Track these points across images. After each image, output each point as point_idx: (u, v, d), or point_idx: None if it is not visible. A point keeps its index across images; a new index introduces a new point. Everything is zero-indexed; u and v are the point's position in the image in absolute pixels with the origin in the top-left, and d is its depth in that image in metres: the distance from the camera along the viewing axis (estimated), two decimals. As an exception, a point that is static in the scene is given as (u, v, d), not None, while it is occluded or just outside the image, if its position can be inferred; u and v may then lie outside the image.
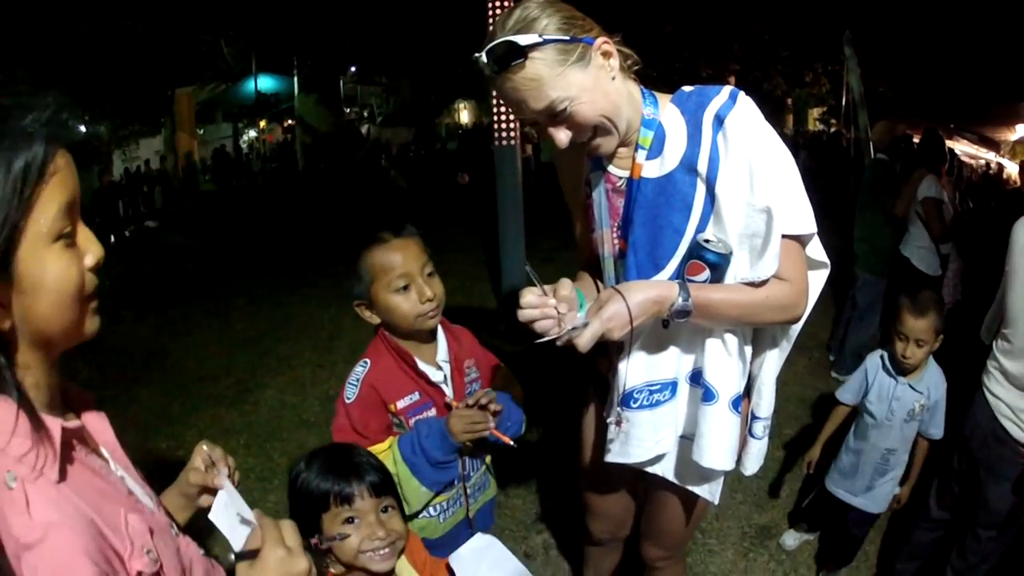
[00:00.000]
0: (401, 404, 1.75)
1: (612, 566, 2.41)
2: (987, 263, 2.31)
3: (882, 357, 2.61)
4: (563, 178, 1.80)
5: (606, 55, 1.39)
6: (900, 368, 2.52)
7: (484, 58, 1.32)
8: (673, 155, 1.45)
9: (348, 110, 23.59)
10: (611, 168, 1.57)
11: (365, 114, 27.35)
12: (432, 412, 1.78)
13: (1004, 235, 2.21)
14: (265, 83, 21.36)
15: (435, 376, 1.81)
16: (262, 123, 24.68)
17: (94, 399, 1.02)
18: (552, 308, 1.38)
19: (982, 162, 17.52)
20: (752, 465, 1.77)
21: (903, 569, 2.65)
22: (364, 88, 25.92)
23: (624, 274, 1.56)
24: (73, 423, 0.88)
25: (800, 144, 22.31)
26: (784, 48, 17.08)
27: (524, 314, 1.39)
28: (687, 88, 1.50)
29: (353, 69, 20.83)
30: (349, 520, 1.41)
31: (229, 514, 0.97)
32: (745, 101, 1.42)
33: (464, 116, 31.50)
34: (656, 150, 1.46)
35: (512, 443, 1.84)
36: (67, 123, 0.83)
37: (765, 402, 1.69)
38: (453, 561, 1.52)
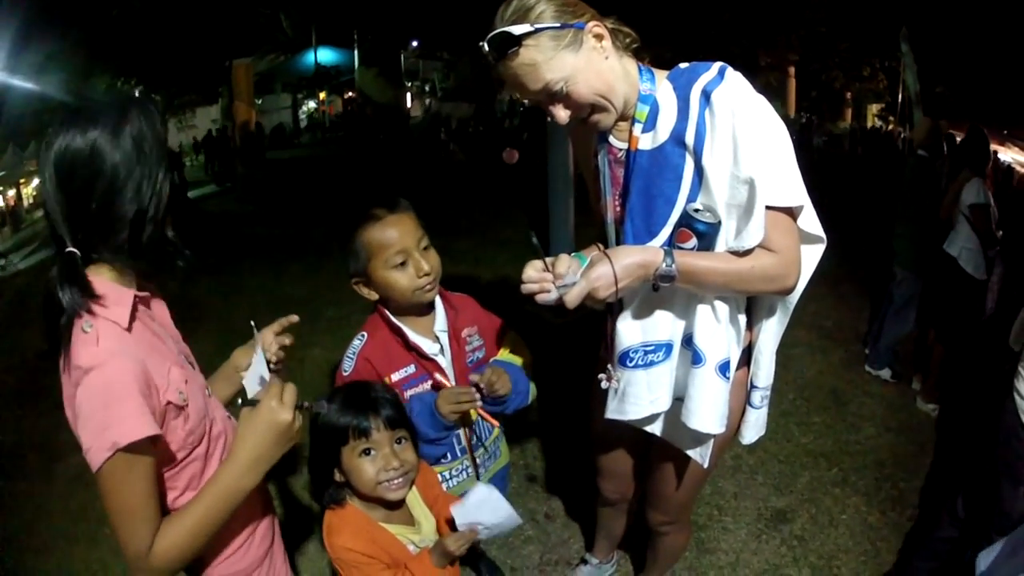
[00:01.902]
0: (396, 377, 1.79)
1: (622, 529, 2.53)
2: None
3: None
4: (576, 150, 1.92)
5: (598, 37, 1.48)
6: None
7: (485, 47, 1.45)
8: (664, 128, 1.54)
9: (409, 84, 23.73)
10: (612, 140, 1.67)
11: (426, 88, 27.50)
12: (428, 384, 1.82)
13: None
14: (325, 55, 21.59)
15: (430, 349, 1.83)
16: (322, 95, 24.99)
17: (161, 296, 1.41)
18: (550, 283, 1.51)
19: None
20: (750, 434, 1.85)
21: (920, 567, 2.65)
22: (426, 63, 26.02)
23: (623, 239, 1.66)
24: (142, 293, 1.24)
25: (857, 139, 21.84)
26: (842, 41, 16.70)
27: (525, 288, 1.54)
28: (683, 65, 1.58)
29: (415, 44, 20.92)
30: (366, 452, 1.53)
31: (253, 377, 1.30)
32: (734, 76, 1.49)
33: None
34: (650, 124, 1.56)
35: (496, 424, 1.92)
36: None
37: (763, 372, 1.77)
38: (454, 511, 1.61)
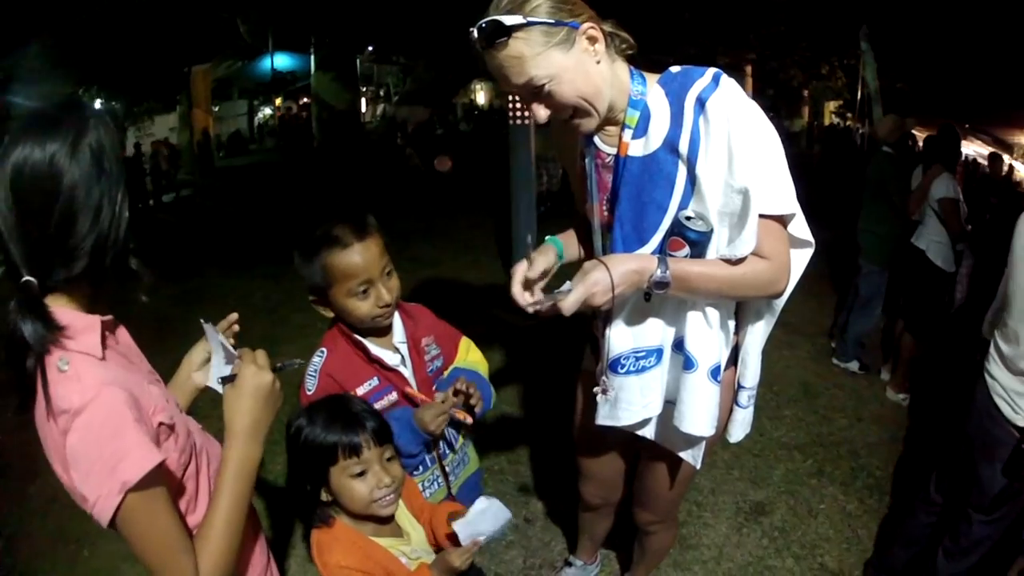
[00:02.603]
0: (360, 391, 1.75)
1: (605, 531, 2.52)
2: (997, 263, 2.35)
3: None
4: (560, 148, 1.89)
5: (591, 40, 1.45)
6: None
7: (475, 34, 1.41)
8: (657, 135, 1.52)
9: (364, 88, 23.58)
10: (600, 144, 1.64)
11: (381, 93, 27.35)
12: (393, 395, 1.79)
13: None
14: (281, 61, 21.36)
15: (391, 360, 1.80)
16: (278, 101, 24.72)
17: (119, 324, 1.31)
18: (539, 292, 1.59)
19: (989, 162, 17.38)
20: (737, 433, 1.86)
21: (899, 554, 2.70)
22: (381, 67, 25.86)
23: (611, 246, 1.64)
24: (107, 317, 1.16)
25: (814, 137, 22.20)
26: (801, 40, 16.95)
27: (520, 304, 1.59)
28: (674, 69, 1.55)
29: (370, 48, 20.75)
30: (358, 472, 1.47)
31: (219, 361, 1.32)
32: (728, 83, 1.47)
33: (480, 97, 31.57)
34: (641, 130, 1.53)
35: (470, 419, 1.88)
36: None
37: (750, 372, 1.78)
38: (457, 528, 1.57)
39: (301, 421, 1.51)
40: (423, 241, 8.28)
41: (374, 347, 1.78)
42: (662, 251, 1.54)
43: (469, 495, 1.93)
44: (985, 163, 12.60)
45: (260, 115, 26.28)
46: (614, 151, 1.61)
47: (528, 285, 1.60)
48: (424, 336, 1.90)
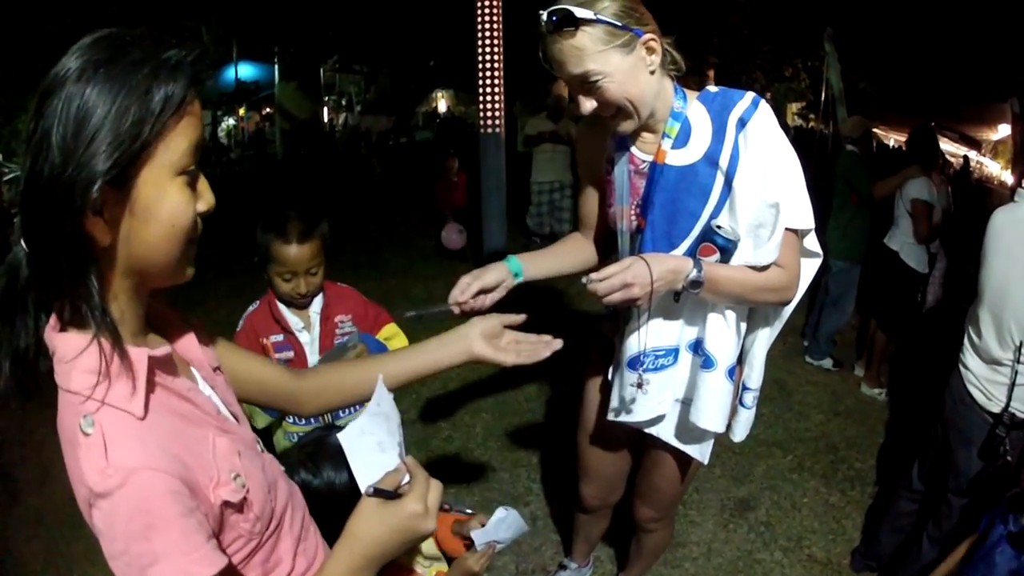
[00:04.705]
0: (268, 341, 2.11)
1: (600, 533, 2.54)
2: (971, 264, 2.46)
3: None
4: (580, 153, 2.00)
5: (650, 50, 1.55)
6: None
7: (544, 17, 1.49)
8: (698, 148, 1.62)
9: (326, 98, 23.39)
10: (635, 151, 1.73)
11: (343, 102, 27.17)
12: (290, 353, 2.11)
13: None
14: (245, 71, 21.13)
15: (294, 325, 2.13)
16: (241, 111, 24.40)
17: (180, 316, 1.02)
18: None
19: (962, 160, 17.82)
20: (740, 432, 1.94)
21: (885, 542, 2.78)
22: (343, 76, 25.68)
23: (640, 248, 1.72)
24: (160, 350, 0.85)
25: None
26: (764, 43, 17.14)
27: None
28: (712, 88, 1.67)
29: (334, 58, 20.60)
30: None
31: (375, 441, 1.01)
32: (765, 108, 1.61)
33: (441, 105, 31.71)
34: (682, 141, 1.63)
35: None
36: (208, 73, 0.85)
37: (755, 374, 1.87)
38: (475, 535, 1.61)
39: (306, 476, 1.41)
40: (390, 250, 8.19)
41: (283, 309, 2.13)
42: (693, 255, 1.63)
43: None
44: (954, 161, 12.84)
45: (223, 126, 25.89)
46: (650, 158, 1.69)
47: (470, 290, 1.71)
48: (340, 314, 2.19)
